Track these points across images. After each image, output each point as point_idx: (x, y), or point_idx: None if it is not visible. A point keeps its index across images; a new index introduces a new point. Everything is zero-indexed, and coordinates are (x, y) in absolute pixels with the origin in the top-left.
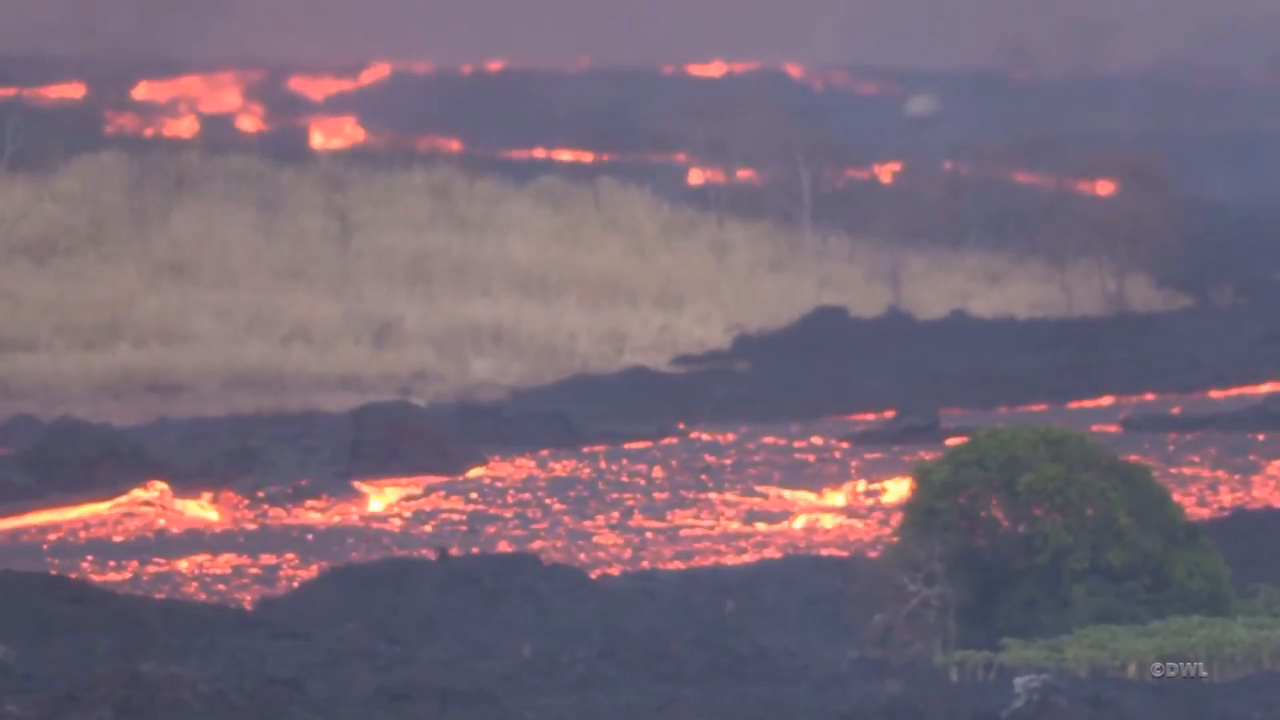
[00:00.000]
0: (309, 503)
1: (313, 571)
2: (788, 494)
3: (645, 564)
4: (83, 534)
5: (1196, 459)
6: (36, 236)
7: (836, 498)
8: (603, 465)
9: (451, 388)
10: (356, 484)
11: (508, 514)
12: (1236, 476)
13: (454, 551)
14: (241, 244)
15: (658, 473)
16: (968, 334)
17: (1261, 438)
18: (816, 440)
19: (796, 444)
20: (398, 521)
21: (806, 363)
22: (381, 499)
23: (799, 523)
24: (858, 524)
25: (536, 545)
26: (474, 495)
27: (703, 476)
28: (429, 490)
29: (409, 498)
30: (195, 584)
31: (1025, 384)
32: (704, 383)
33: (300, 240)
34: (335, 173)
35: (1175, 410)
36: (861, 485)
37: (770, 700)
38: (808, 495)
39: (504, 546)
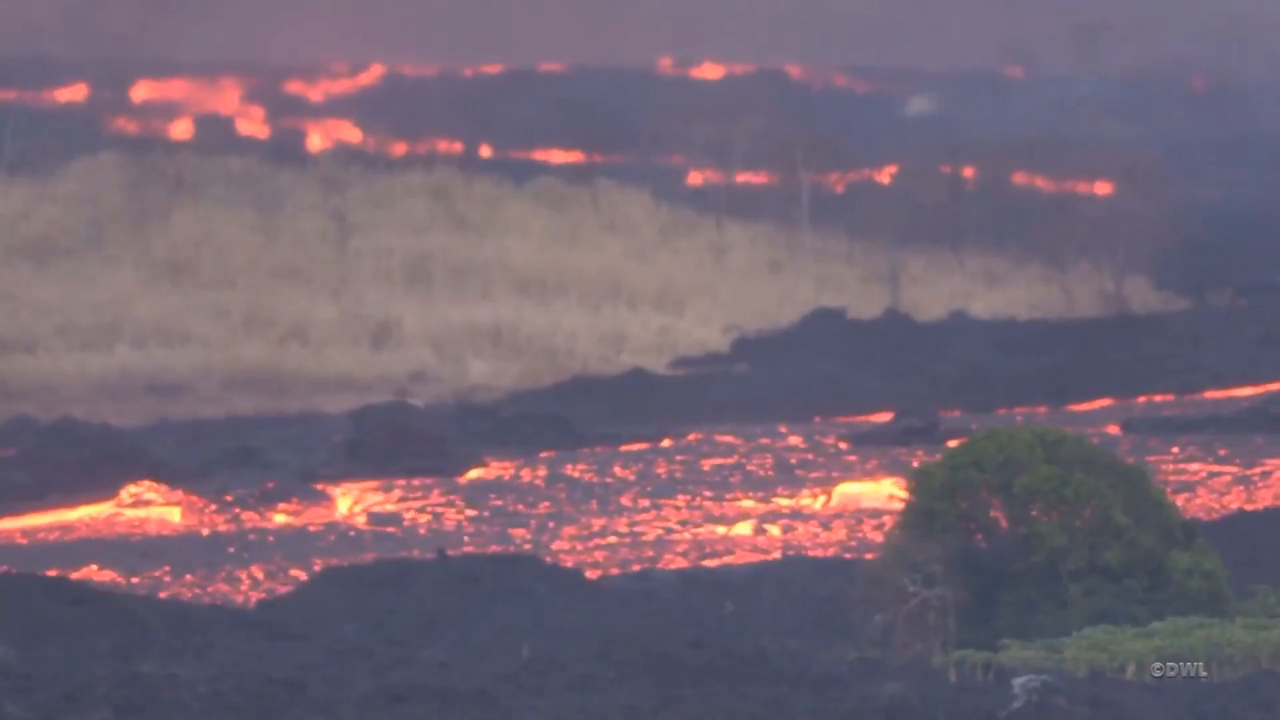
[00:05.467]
0: (306, 503)
1: (312, 572)
2: (786, 495)
3: (644, 565)
4: (82, 534)
5: (1196, 460)
6: (36, 237)
7: (835, 499)
8: (602, 466)
9: (450, 389)
10: (353, 484)
11: (506, 515)
12: (1237, 477)
13: (453, 552)
14: (240, 245)
15: (657, 474)
16: (967, 335)
17: (1261, 439)
18: (815, 441)
19: (795, 445)
20: (396, 522)
21: (805, 364)
22: (379, 499)
23: (798, 524)
24: (857, 525)
25: (535, 546)
26: (472, 496)
27: (702, 478)
28: (427, 490)
29: (408, 498)
30: (194, 584)
31: (1025, 386)
32: (703, 384)
33: (299, 241)
34: (334, 174)
35: (1175, 412)
36: (860, 487)
37: (769, 701)
38: (807, 497)
39: (502, 547)
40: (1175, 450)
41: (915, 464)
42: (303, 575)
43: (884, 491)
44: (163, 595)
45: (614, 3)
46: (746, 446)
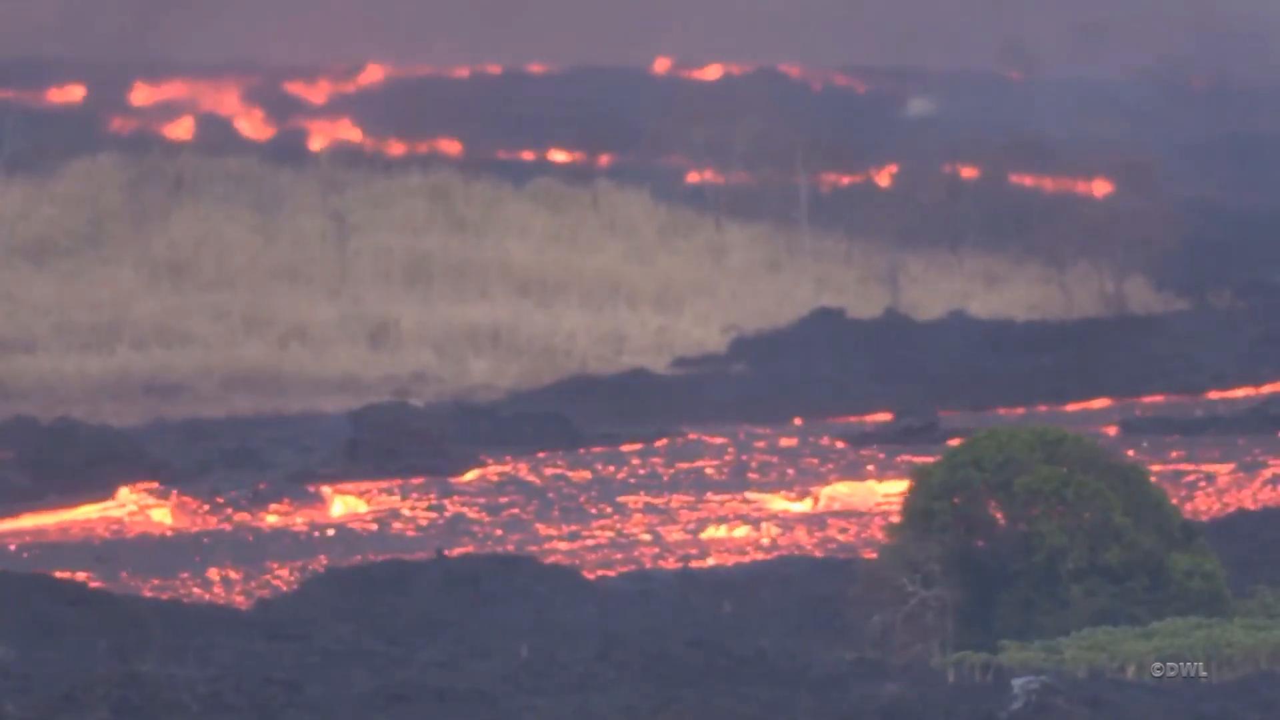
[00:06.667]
0: (304, 503)
1: (311, 572)
2: (785, 495)
3: (642, 565)
4: (81, 535)
5: (1195, 460)
6: (35, 238)
7: (834, 499)
8: (601, 466)
9: (449, 389)
10: (353, 484)
11: (505, 515)
12: (1235, 477)
13: (451, 553)
14: (239, 245)
15: (655, 474)
16: (966, 335)
17: (1261, 439)
18: (815, 441)
19: (794, 445)
20: (395, 522)
21: (805, 364)
22: (378, 499)
23: (796, 524)
24: (856, 525)
25: (534, 546)
26: (471, 496)
27: (700, 477)
28: (426, 490)
29: (407, 498)
30: (192, 585)
31: (1024, 385)
32: (702, 384)
33: (298, 241)
34: (333, 174)
35: (1174, 412)
36: (859, 486)
37: (768, 701)
38: (805, 496)
39: (502, 548)
40: (1174, 450)
41: (914, 464)
42: (302, 575)
43: (883, 491)
44: (161, 595)
45: (614, 3)
46: (745, 446)
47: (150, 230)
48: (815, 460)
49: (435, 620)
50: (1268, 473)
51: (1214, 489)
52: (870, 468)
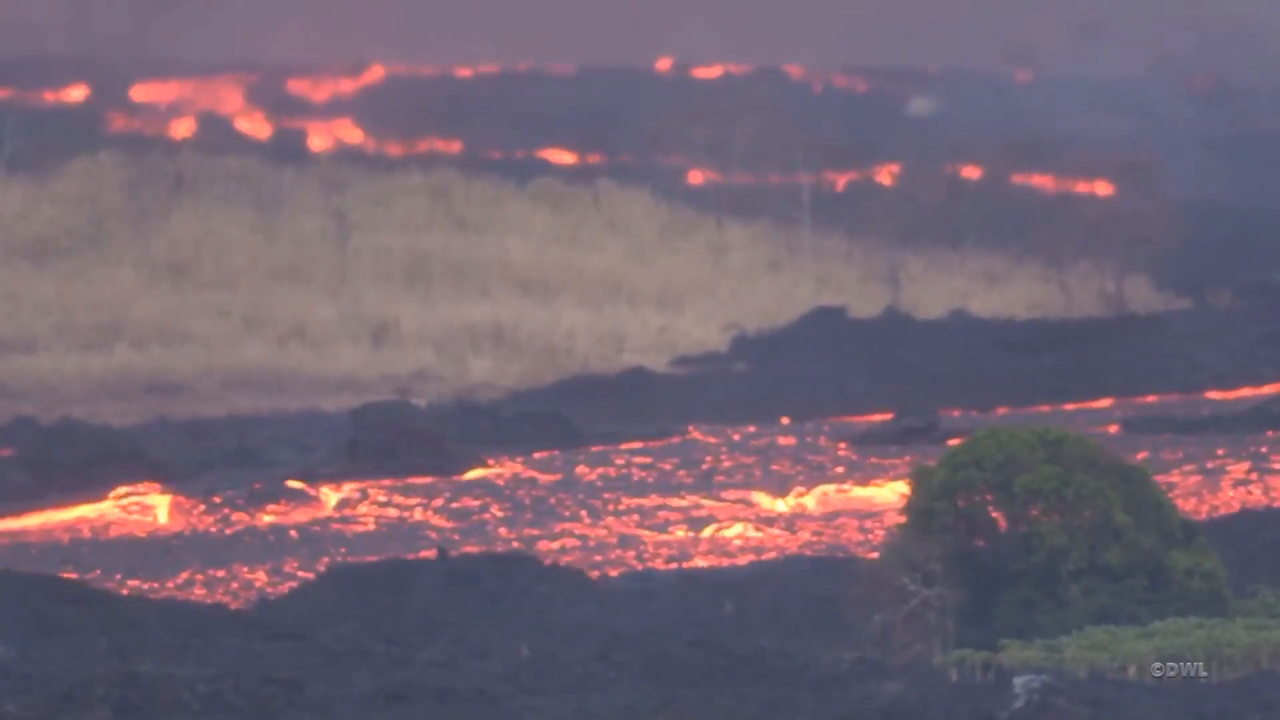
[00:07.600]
0: (304, 503)
1: (311, 572)
2: (786, 495)
3: (643, 565)
4: (82, 534)
5: (1196, 460)
6: (35, 237)
7: (835, 498)
8: (601, 466)
9: (450, 388)
10: (353, 484)
11: (505, 514)
12: (1235, 476)
13: (453, 552)
14: (240, 244)
15: (656, 474)
16: (967, 335)
17: (1261, 438)
18: (815, 441)
19: (794, 445)
20: (396, 521)
21: (805, 363)
22: (379, 499)
23: (797, 524)
24: (856, 525)
25: (535, 546)
26: (472, 496)
27: (701, 477)
28: (427, 489)
29: (408, 498)
30: (192, 584)
31: (1025, 385)
32: (703, 383)
33: (299, 241)
34: (334, 173)
35: (1175, 412)
36: (860, 486)
37: (768, 701)
38: (806, 496)
39: (502, 547)
40: (1174, 450)
41: (915, 464)
42: (303, 575)
43: (884, 491)
44: (161, 595)
45: (614, 3)
46: (746, 445)
47: (150, 230)
48: (815, 459)
49: (435, 620)
50: (1268, 472)
51: (1214, 488)
52: (870, 467)
